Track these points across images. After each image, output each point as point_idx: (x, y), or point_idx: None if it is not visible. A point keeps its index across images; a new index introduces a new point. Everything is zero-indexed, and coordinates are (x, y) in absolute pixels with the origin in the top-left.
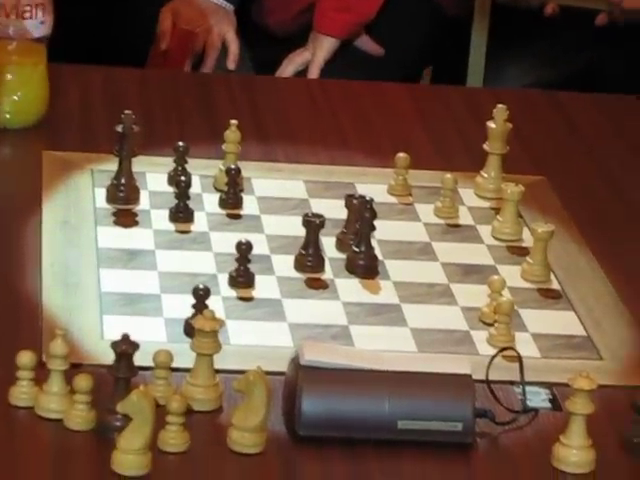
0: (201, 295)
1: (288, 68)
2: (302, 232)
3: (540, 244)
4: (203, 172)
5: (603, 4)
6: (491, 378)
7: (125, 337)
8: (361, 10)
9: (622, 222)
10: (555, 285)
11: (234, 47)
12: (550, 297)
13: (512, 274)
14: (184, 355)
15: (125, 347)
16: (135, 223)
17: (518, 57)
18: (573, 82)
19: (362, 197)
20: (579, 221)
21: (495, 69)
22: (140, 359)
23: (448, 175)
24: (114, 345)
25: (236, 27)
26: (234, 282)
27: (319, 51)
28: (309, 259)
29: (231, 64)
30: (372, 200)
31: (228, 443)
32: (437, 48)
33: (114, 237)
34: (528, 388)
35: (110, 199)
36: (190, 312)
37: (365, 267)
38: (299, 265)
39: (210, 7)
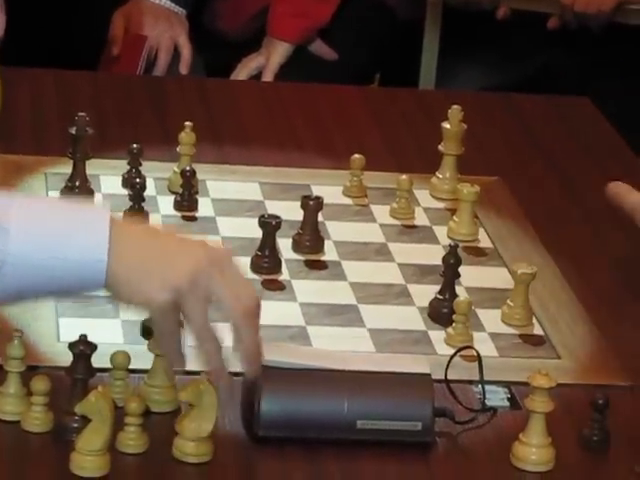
0: None
1: (242, 72)
2: (258, 234)
3: (521, 287)
4: (157, 174)
5: (555, 7)
6: (450, 377)
7: (82, 338)
8: (315, 15)
9: (576, 220)
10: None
11: (186, 52)
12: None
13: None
14: (141, 357)
15: (83, 348)
16: None
17: (470, 60)
18: (525, 85)
19: (318, 198)
20: (534, 220)
21: (447, 72)
22: (97, 361)
23: (403, 176)
24: (71, 346)
25: (188, 32)
26: None
27: (273, 56)
28: (265, 260)
29: (183, 69)
30: (457, 245)
31: (174, 452)
32: (389, 51)
33: None
34: (487, 387)
35: None
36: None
37: (448, 315)
38: (255, 267)
39: (162, 12)
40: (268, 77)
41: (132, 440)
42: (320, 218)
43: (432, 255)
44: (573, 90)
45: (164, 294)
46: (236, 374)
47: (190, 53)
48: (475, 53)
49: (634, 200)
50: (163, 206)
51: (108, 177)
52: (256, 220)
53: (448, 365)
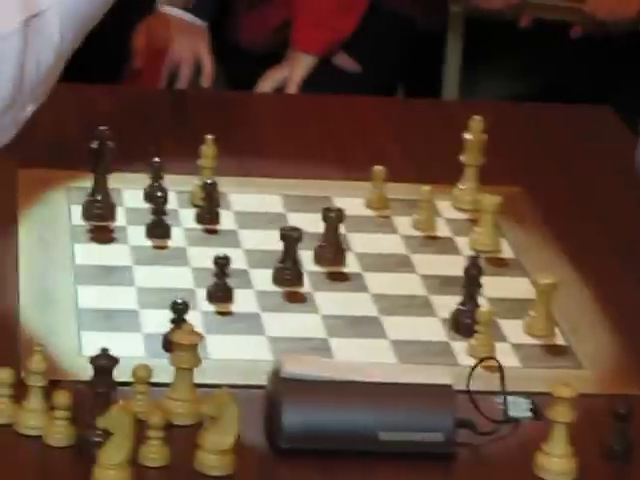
0: (180, 310)
1: (266, 85)
2: (279, 246)
3: (543, 297)
4: (179, 188)
5: (577, 16)
6: (472, 388)
7: (104, 352)
8: (338, 28)
9: (598, 230)
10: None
11: (208, 65)
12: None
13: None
14: (163, 370)
15: (104, 362)
16: (112, 239)
17: (492, 70)
18: (548, 93)
19: (339, 210)
20: (556, 230)
21: (469, 82)
22: (119, 375)
23: (425, 187)
24: (93, 360)
25: (210, 44)
26: (212, 297)
27: (297, 68)
28: (287, 273)
29: (205, 82)
30: (478, 256)
31: (196, 466)
32: (412, 63)
33: (91, 254)
34: (509, 398)
35: (86, 216)
36: (169, 327)
37: (470, 326)
38: (277, 279)
39: (184, 25)
40: (292, 89)
41: (154, 454)
42: (341, 230)
43: (454, 266)
44: (595, 99)
45: None
46: (258, 387)
47: (212, 66)
48: (497, 63)
49: None
50: (185, 219)
51: (130, 191)
52: (278, 232)
53: (470, 376)
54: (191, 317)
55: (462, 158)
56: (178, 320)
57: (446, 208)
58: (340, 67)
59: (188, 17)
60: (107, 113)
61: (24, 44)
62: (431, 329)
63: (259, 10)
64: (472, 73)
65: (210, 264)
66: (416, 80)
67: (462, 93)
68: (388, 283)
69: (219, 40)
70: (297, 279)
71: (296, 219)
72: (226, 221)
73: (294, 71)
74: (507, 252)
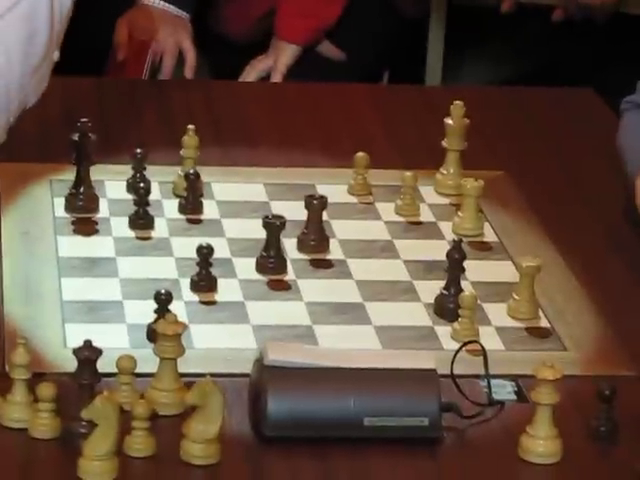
0: (163, 300)
1: (250, 75)
2: (263, 234)
3: (526, 280)
4: (162, 178)
5: (559, 0)
6: (456, 372)
7: (87, 343)
8: (322, 16)
9: (582, 213)
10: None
11: (191, 56)
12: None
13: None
14: (147, 360)
15: (88, 353)
16: (95, 231)
17: (476, 55)
18: (531, 78)
19: (322, 197)
20: (539, 213)
21: (453, 68)
22: (103, 366)
23: (408, 173)
24: (76, 351)
25: (192, 36)
26: (196, 286)
27: (281, 57)
28: (271, 261)
29: (188, 73)
30: (461, 240)
31: (181, 455)
32: (396, 50)
33: (74, 246)
34: (493, 381)
35: (69, 208)
36: (153, 317)
37: (454, 310)
38: (261, 267)
39: (166, 16)
40: (277, 79)
41: (139, 444)
42: (325, 217)
43: (437, 251)
44: (578, 82)
45: None
46: (242, 375)
47: (194, 57)
48: (481, 48)
49: None
50: (168, 210)
51: (113, 182)
52: (261, 221)
53: (454, 360)
54: (175, 307)
55: (444, 143)
56: (162, 310)
57: (429, 193)
58: (324, 55)
59: (170, 8)
60: (90, 105)
61: None
62: (415, 314)
63: (242, 0)
64: (455, 58)
65: (193, 254)
66: (400, 66)
67: (446, 78)
68: (372, 269)
69: (202, 31)
70: (281, 267)
71: (280, 207)
72: (209, 211)
73: (279, 60)
74: (490, 236)
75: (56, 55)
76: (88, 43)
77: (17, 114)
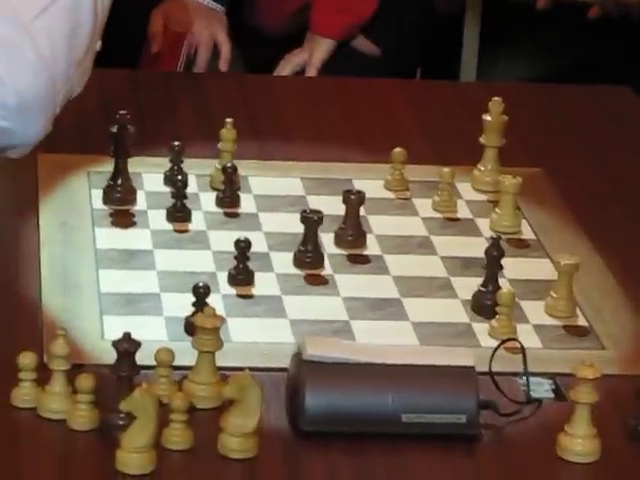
0: (201, 293)
1: (285, 69)
2: (300, 229)
3: (564, 278)
4: (199, 171)
5: None
6: (494, 370)
7: (126, 335)
8: (358, 11)
9: (619, 210)
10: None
11: (225, 49)
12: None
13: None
14: (185, 353)
15: (127, 345)
16: (133, 224)
17: (511, 51)
18: (566, 75)
19: (360, 192)
20: (576, 211)
21: (488, 64)
22: (141, 358)
23: (445, 169)
24: (116, 343)
25: (227, 28)
26: (234, 280)
27: (316, 52)
28: (308, 255)
29: (223, 66)
30: (500, 237)
31: (219, 449)
32: (430, 45)
33: (112, 238)
34: (531, 379)
35: (107, 200)
36: (190, 310)
37: (491, 307)
38: (298, 262)
39: (201, 9)
40: (311, 73)
41: (177, 437)
42: (362, 212)
43: (475, 247)
44: (613, 80)
45: None
46: (280, 370)
47: (229, 50)
48: (515, 44)
49: None
50: (205, 203)
51: (150, 175)
52: (298, 215)
53: (492, 357)
54: (212, 300)
55: (482, 139)
56: (200, 303)
57: (466, 190)
58: (359, 50)
59: (205, 1)
60: (126, 97)
61: None
62: (452, 311)
63: None
64: (490, 55)
65: (231, 247)
66: (434, 62)
67: (480, 75)
68: (409, 265)
69: (237, 24)
70: (318, 262)
71: (316, 202)
72: (246, 204)
73: (314, 55)
74: (528, 233)
75: (98, 45)
76: (122, 34)
77: (62, 105)
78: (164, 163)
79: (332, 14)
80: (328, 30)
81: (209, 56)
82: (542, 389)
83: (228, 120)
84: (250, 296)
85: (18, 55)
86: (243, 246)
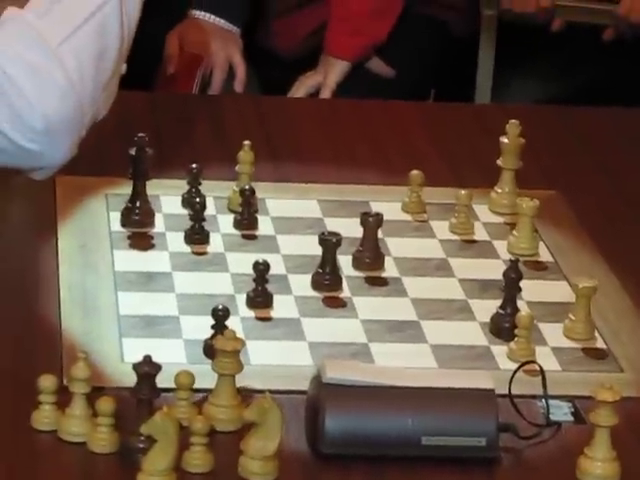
0: (221, 316)
1: (300, 91)
2: (318, 251)
3: (582, 301)
4: (217, 194)
5: (610, 19)
6: (513, 392)
7: (147, 358)
8: (372, 33)
9: (636, 232)
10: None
11: (241, 70)
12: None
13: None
14: (205, 376)
15: (147, 368)
16: (151, 246)
17: (525, 74)
18: (580, 96)
19: (378, 214)
20: (594, 233)
21: (502, 85)
22: (161, 381)
23: (462, 191)
24: (136, 367)
25: (242, 50)
26: (252, 302)
27: (331, 74)
28: (326, 278)
29: (238, 87)
30: (518, 260)
31: (239, 471)
32: (444, 67)
33: (130, 260)
34: (550, 402)
35: (125, 222)
36: (209, 333)
37: (510, 330)
38: (316, 284)
39: (216, 30)
40: (326, 95)
41: (198, 460)
42: (380, 234)
43: (492, 270)
44: (628, 101)
45: None
46: (300, 392)
47: (245, 72)
48: (530, 66)
49: None
50: (223, 225)
51: (168, 197)
52: (316, 237)
53: (511, 380)
54: (231, 323)
55: (499, 162)
56: (219, 326)
57: (483, 212)
58: (373, 71)
59: (221, 22)
60: (144, 119)
61: (120, 8)
62: (471, 333)
63: (291, 16)
64: (504, 76)
65: (249, 269)
66: (448, 83)
67: (494, 96)
68: (427, 287)
69: (251, 45)
70: (336, 284)
71: (334, 224)
72: (264, 226)
73: (328, 77)
74: (545, 255)
75: (123, 68)
76: (138, 56)
77: (89, 127)
78: (182, 185)
79: (346, 36)
80: (342, 52)
81: (224, 77)
82: (561, 412)
83: (246, 142)
84: (269, 319)
85: (46, 79)
86: (262, 268)
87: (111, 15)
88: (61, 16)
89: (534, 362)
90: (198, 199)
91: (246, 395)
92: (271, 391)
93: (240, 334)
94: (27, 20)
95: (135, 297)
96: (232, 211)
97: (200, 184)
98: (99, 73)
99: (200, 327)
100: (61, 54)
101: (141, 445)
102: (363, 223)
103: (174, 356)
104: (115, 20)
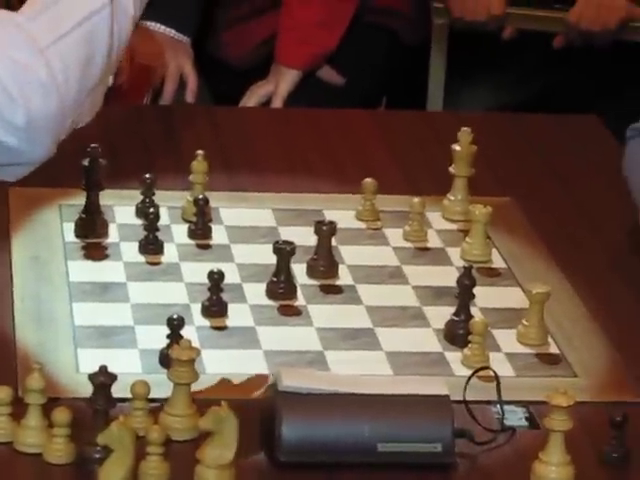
0: (176, 325)
1: (251, 100)
2: (272, 260)
3: (536, 306)
4: (171, 203)
5: (560, 26)
6: (468, 398)
7: (102, 369)
8: (321, 43)
9: (588, 238)
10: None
11: (192, 80)
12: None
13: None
14: (160, 385)
15: (103, 378)
16: (105, 256)
17: (476, 81)
18: (531, 104)
19: (332, 223)
20: (546, 239)
21: (453, 93)
22: (116, 391)
23: (416, 199)
24: (92, 377)
25: (193, 60)
26: (207, 311)
27: (282, 83)
28: (281, 286)
29: (190, 97)
30: (472, 266)
31: None
32: (395, 75)
33: (85, 271)
34: (505, 407)
35: (79, 233)
36: (165, 342)
37: (464, 336)
38: (271, 293)
39: (166, 41)
40: (277, 104)
41: (154, 469)
42: (334, 243)
43: (446, 277)
44: (579, 108)
45: None
46: (256, 401)
47: (196, 82)
48: (481, 74)
49: None
50: (177, 235)
51: (122, 207)
52: (270, 246)
53: (466, 386)
54: (186, 332)
55: (452, 169)
56: (174, 335)
57: (437, 219)
58: (324, 80)
59: (171, 32)
60: (96, 129)
61: (111, 19)
62: (425, 340)
63: (242, 26)
64: (455, 84)
65: (204, 279)
66: (398, 91)
67: (446, 104)
68: (381, 295)
69: (202, 55)
70: (291, 292)
71: (288, 233)
72: (218, 236)
73: (279, 86)
74: (498, 262)
75: (110, 80)
76: None
77: (68, 132)
78: (136, 196)
79: (295, 45)
80: (292, 61)
81: (176, 88)
82: (516, 417)
83: (199, 152)
84: (224, 327)
85: (31, 76)
86: (216, 278)
87: (101, 24)
88: (51, 21)
89: (488, 368)
90: (152, 209)
91: (201, 404)
92: (227, 400)
93: (195, 343)
94: (17, 22)
95: (90, 307)
96: (186, 221)
97: (154, 194)
98: (84, 78)
99: (155, 337)
100: (48, 55)
101: (97, 455)
102: (317, 231)
103: (130, 366)
104: (105, 29)
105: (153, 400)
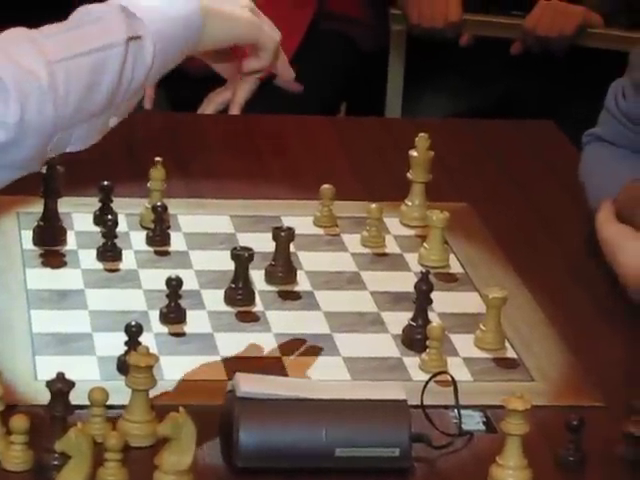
0: (134, 332)
1: (208, 107)
2: (231, 266)
3: (493, 311)
4: (129, 210)
5: (517, 32)
6: (425, 403)
7: (60, 376)
8: None
9: (545, 243)
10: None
11: (149, 87)
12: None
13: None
14: (118, 392)
15: (61, 385)
16: (63, 264)
17: (435, 88)
18: (490, 110)
19: (290, 229)
20: (504, 244)
21: (412, 100)
22: (75, 398)
23: (373, 205)
24: (49, 384)
25: None
26: (165, 318)
27: (239, 91)
28: (239, 292)
29: (147, 104)
30: (429, 272)
31: None
32: (354, 82)
33: (43, 278)
34: (462, 412)
35: (37, 241)
36: (123, 349)
37: (422, 341)
38: (229, 299)
39: None
40: (235, 111)
41: (112, 476)
42: (292, 249)
43: (404, 282)
44: (537, 114)
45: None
46: (213, 407)
47: (153, 89)
48: (439, 80)
49: (608, 233)
50: (136, 242)
51: (80, 215)
52: (229, 253)
53: (423, 391)
54: (145, 339)
55: (409, 175)
56: (132, 342)
57: (394, 225)
58: (282, 87)
59: None
60: None
61: (124, 58)
62: (383, 345)
63: None
64: (414, 91)
65: (162, 285)
66: (357, 98)
67: (404, 110)
68: (339, 300)
69: None
70: (249, 298)
71: (246, 239)
72: (177, 243)
73: (237, 93)
74: (456, 267)
75: (112, 122)
76: None
77: (56, 151)
78: (94, 203)
79: None
80: None
81: None
82: (473, 421)
83: (157, 159)
84: (182, 334)
85: (33, 79)
86: (174, 284)
87: (112, 58)
88: (65, 42)
89: (446, 372)
90: (110, 216)
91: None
92: (185, 406)
93: (153, 350)
94: (32, 36)
95: (48, 315)
96: (144, 228)
97: (112, 201)
98: (85, 100)
99: (113, 343)
100: (54, 67)
101: (55, 462)
102: (275, 238)
103: (87, 373)
104: (116, 64)
105: (111, 407)
